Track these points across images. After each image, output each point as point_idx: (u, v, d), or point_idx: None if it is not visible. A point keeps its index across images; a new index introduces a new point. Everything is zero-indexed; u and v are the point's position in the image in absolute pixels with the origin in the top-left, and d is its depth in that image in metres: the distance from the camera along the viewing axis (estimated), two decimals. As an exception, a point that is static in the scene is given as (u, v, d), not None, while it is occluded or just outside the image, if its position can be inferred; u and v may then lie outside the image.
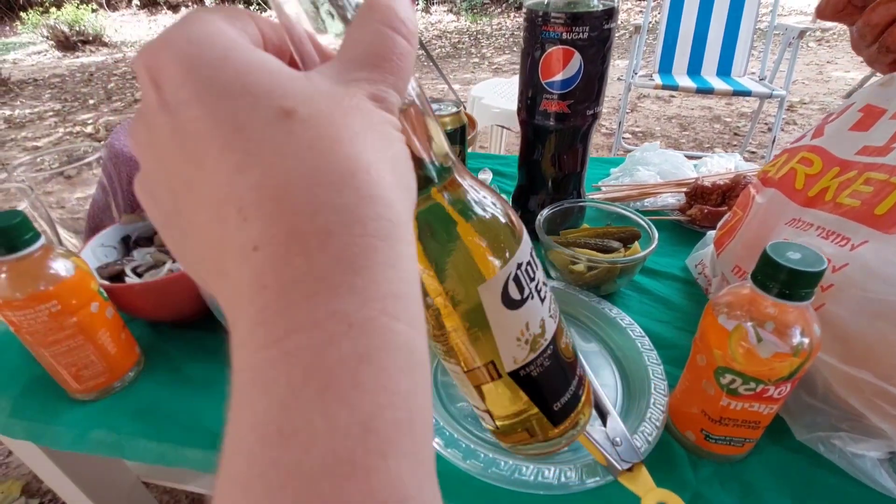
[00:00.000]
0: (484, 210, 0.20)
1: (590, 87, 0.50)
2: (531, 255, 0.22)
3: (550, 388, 0.23)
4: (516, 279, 0.20)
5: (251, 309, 0.11)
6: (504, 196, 0.24)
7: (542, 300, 0.22)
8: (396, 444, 0.11)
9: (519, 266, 0.21)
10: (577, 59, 0.48)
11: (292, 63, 0.15)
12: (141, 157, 0.14)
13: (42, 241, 0.37)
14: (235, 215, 0.11)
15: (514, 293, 0.21)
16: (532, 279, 0.21)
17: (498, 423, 0.25)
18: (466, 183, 0.20)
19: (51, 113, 3.58)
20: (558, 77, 0.49)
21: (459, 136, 0.52)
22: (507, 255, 0.20)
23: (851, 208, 0.37)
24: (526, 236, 0.22)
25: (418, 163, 0.18)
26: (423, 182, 0.18)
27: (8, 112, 3.62)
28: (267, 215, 0.11)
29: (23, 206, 0.45)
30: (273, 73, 0.12)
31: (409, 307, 0.12)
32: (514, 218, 0.22)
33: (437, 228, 0.19)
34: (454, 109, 0.52)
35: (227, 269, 0.12)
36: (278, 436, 0.10)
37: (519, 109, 0.56)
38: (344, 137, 0.12)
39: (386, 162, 0.13)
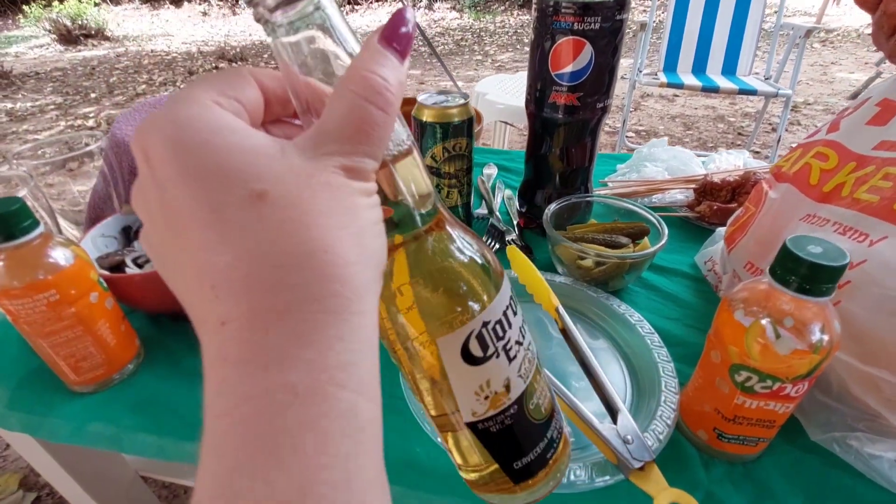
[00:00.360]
0: (454, 260, 0.20)
1: (600, 79, 0.49)
2: (505, 314, 0.21)
3: (511, 447, 0.22)
4: (479, 337, 0.20)
5: (215, 378, 0.13)
6: (485, 242, 0.22)
7: (511, 359, 0.21)
8: (331, 501, 0.12)
9: (485, 324, 0.20)
10: (588, 50, 0.47)
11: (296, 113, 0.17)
12: (140, 217, 0.15)
13: (41, 228, 0.37)
14: (209, 291, 0.13)
15: (476, 350, 0.20)
16: (500, 338, 0.21)
17: (462, 473, 0.25)
18: (448, 230, 0.20)
19: (52, 106, 3.56)
20: (568, 69, 0.48)
21: (467, 128, 0.51)
22: (474, 310, 0.20)
23: (869, 204, 0.37)
24: (504, 293, 0.21)
25: (398, 208, 0.19)
26: (404, 225, 0.19)
27: (10, 105, 3.61)
28: (235, 294, 0.13)
29: (22, 194, 0.44)
30: (248, 155, 0.13)
31: (357, 374, 0.13)
32: (494, 272, 0.21)
33: (399, 276, 0.20)
34: (461, 101, 0.51)
35: (202, 334, 0.14)
36: (225, 501, 0.11)
37: (527, 102, 0.55)
38: (309, 219, 0.13)
39: (350, 237, 0.14)
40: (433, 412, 0.23)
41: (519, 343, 0.21)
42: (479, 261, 0.21)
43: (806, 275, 0.28)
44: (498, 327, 0.20)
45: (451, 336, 0.20)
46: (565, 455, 0.25)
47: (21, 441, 0.52)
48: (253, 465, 0.12)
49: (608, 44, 0.47)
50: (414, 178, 0.19)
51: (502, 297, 0.21)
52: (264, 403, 0.12)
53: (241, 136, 0.14)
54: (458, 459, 0.24)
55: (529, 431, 0.23)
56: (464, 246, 0.21)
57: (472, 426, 0.22)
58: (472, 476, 0.25)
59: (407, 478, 0.37)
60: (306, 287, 0.13)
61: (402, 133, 0.18)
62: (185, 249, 0.13)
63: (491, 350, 0.20)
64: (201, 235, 0.13)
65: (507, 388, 0.21)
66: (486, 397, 0.21)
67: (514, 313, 0.22)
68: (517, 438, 0.22)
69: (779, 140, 1.99)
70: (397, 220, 0.19)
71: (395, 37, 0.16)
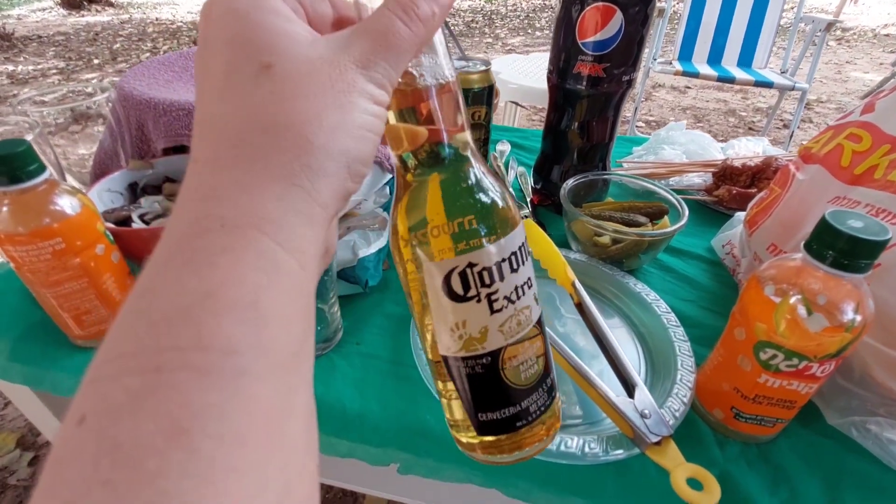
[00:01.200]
0: (456, 198, 0.21)
1: (628, 49, 0.47)
2: (499, 266, 0.21)
3: (477, 395, 0.23)
4: (462, 275, 0.20)
5: (176, 203, 0.15)
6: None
7: (494, 311, 0.21)
8: (232, 311, 0.13)
9: (471, 265, 0.20)
10: (618, 17, 0.45)
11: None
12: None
13: (47, 173, 0.35)
14: (197, 134, 0.16)
15: (457, 287, 0.21)
16: (486, 285, 0.21)
17: (452, 432, 0.26)
18: (465, 171, 0.21)
19: (54, 70, 3.51)
20: (596, 37, 0.47)
21: (487, 95, 0.50)
22: (462, 248, 0.20)
23: (904, 186, 0.35)
24: (504, 246, 0.21)
25: (433, 139, 0.20)
26: (432, 159, 0.21)
27: (11, 67, 3.56)
28: (209, 139, 0.15)
29: (29, 139, 0.42)
30: (274, 33, 0.15)
31: (286, 233, 0.14)
32: (500, 223, 0.21)
33: (420, 199, 0.21)
34: (482, 67, 0.49)
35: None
36: (142, 291, 0.13)
37: (550, 73, 0.54)
38: (298, 93, 0.15)
39: (329, 125, 0.15)
40: (429, 354, 0.24)
41: (509, 300, 0.21)
42: (484, 206, 0.21)
43: (844, 249, 0.27)
44: (485, 274, 0.21)
45: (433, 265, 0.21)
46: (539, 436, 0.25)
47: (22, 397, 0.51)
48: (173, 268, 0.13)
49: (639, 12, 0.45)
50: (444, 113, 0.20)
51: (500, 248, 0.21)
52: (192, 225, 0.14)
53: (281, 19, 0.16)
54: (447, 413, 0.25)
55: (500, 389, 0.23)
56: (474, 189, 0.21)
57: (445, 360, 0.23)
58: (456, 432, 0.26)
59: (416, 445, 0.36)
60: (262, 147, 0.15)
61: (444, 68, 0.20)
62: (199, 98, 0.16)
63: (472, 292, 0.21)
64: (210, 89, 0.16)
65: (483, 336, 0.21)
66: (461, 337, 0.22)
67: (515, 269, 0.22)
68: (485, 389, 0.23)
69: (791, 136, 1.97)
70: (415, 146, 0.21)
71: None
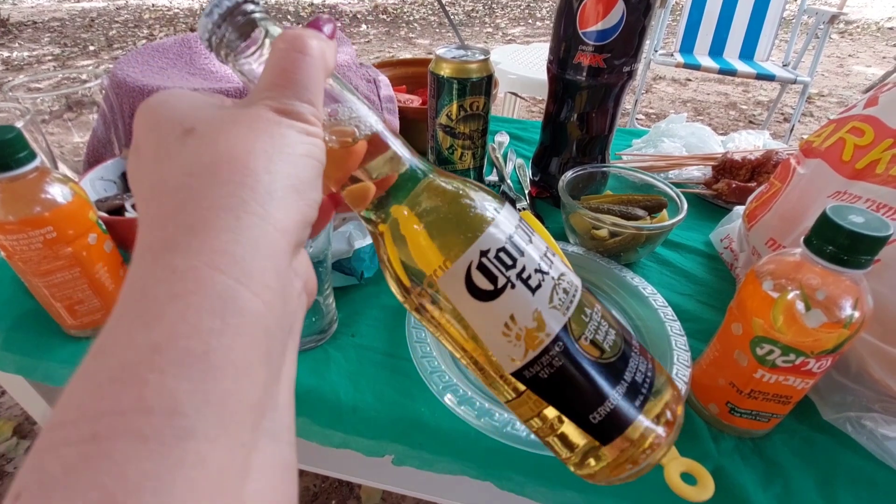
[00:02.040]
0: (433, 208, 0.20)
1: (629, 40, 0.47)
2: (512, 241, 0.20)
3: (577, 395, 0.20)
4: (482, 267, 0.19)
5: (130, 263, 0.14)
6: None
7: (535, 289, 0.19)
8: (179, 365, 0.12)
9: (484, 253, 0.19)
10: (619, 7, 0.44)
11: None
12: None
13: (38, 161, 0.35)
14: (142, 204, 0.16)
15: (483, 283, 0.19)
16: (510, 266, 0.19)
17: (571, 468, 0.23)
18: (425, 188, 0.21)
19: (49, 57, 3.47)
20: (597, 27, 0.46)
21: (485, 85, 0.49)
22: (465, 242, 0.19)
23: (907, 181, 0.35)
24: (503, 220, 0.20)
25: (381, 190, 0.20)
26: (390, 198, 0.20)
27: (6, 54, 3.51)
28: (152, 200, 0.15)
29: (19, 125, 0.42)
30: (190, 107, 0.17)
31: (241, 265, 0.14)
32: (484, 201, 0.20)
33: (394, 236, 0.20)
34: (481, 57, 0.48)
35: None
36: (94, 351, 0.13)
37: (549, 63, 0.53)
38: (224, 140, 0.15)
39: (263, 153, 0.15)
40: (505, 391, 0.21)
41: (541, 272, 0.20)
42: (463, 197, 0.20)
43: (845, 244, 0.26)
44: (504, 255, 0.19)
45: (448, 274, 0.19)
46: (665, 404, 0.21)
47: (16, 386, 0.51)
48: (121, 325, 0.13)
49: (641, 1, 0.44)
50: (377, 164, 0.20)
51: (502, 224, 0.20)
52: (146, 279, 0.13)
53: (194, 97, 0.17)
54: (561, 452, 0.22)
55: (595, 372, 0.20)
56: (443, 192, 0.20)
57: (519, 377, 0.20)
58: (574, 457, 0.22)
59: (410, 437, 0.36)
60: (202, 188, 0.14)
61: (368, 118, 0.20)
62: (137, 184, 0.17)
63: (502, 280, 0.19)
64: (144, 169, 0.16)
65: (540, 322, 0.19)
66: (518, 336, 0.19)
67: (529, 241, 0.20)
68: (580, 382, 0.20)
69: (791, 129, 1.96)
70: (367, 202, 0.20)
71: (314, 24, 0.19)
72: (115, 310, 0.13)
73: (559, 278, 0.20)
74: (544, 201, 0.63)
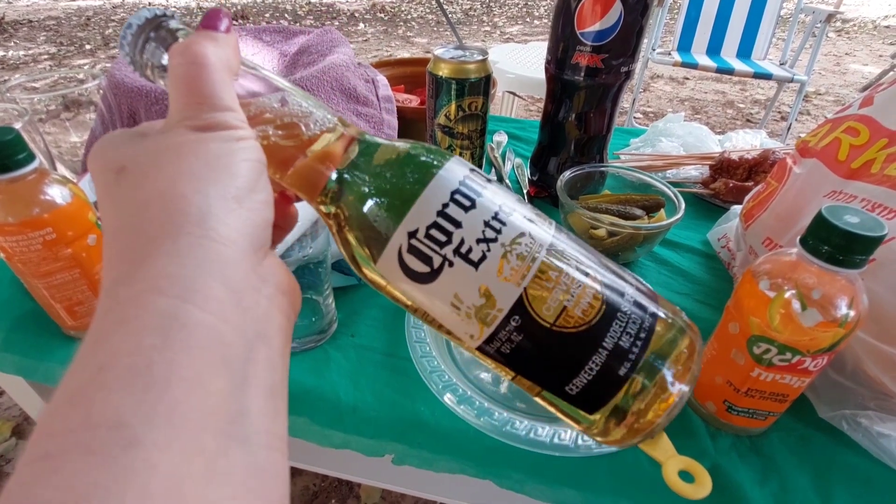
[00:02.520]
0: (351, 194, 0.19)
1: (627, 40, 0.47)
2: (444, 214, 0.18)
3: (543, 369, 0.19)
4: (413, 250, 0.18)
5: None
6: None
7: (478, 262, 0.18)
8: (121, 381, 0.12)
9: (412, 234, 0.18)
10: (617, 7, 0.44)
11: None
12: None
13: (37, 162, 0.35)
14: (104, 241, 0.17)
15: (417, 265, 0.18)
16: (446, 242, 0.18)
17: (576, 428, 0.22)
18: (360, 163, 0.20)
19: (46, 56, 3.45)
20: (595, 27, 0.46)
21: (484, 86, 0.49)
22: (388, 227, 0.18)
23: (901, 180, 0.35)
24: (432, 192, 0.18)
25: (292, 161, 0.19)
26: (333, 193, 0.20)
27: (1, 53, 3.50)
28: (107, 243, 0.16)
29: (18, 126, 0.42)
30: (120, 145, 0.17)
31: (185, 284, 0.14)
32: (410, 171, 0.19)
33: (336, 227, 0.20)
34: (479, 57, 0.49)
35: None
36: (62, 379, 0.13)
37: (547, 63, 0.53)
38: (152, 175, 0.16)
39: (190, 174, 0.16)
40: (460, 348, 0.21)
41: (486, 240, 0.18)
42: (387, 170, 0.19)
43: (840, 244, 0.27)
44: (436, 232, 0.18)
45: (382, 262, 0.19)
46: (673, 358, 0.19)
47: (15, 387, 0.51)
48: (78, 355, 0.13)
49: (639, 2, 0.45)
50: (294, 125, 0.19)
51: (433, 194, 0.18)
52: (98, 314, 0.14)
53: (123, 135, 0.18)
54: (559, 414, 0.21)
55: (563, 344, 0.18)
56: (359, 172, 0.20)
57: (483, 352, 0.19)
58: (578, 426, 0.21)
59: (410, 436, 0.37)
60: (141, 225, 0.15)
61: (270, 101, 0.19)
62: (101, 218, 0.17)
63: (437, 260, 0.18)
64: (101, 211, 0.17)
65: (489, 297, 0.18)
66: (468, 314, 0.18)
67: (471, 204, 0.18)
68: (547, 355, 0.18)
69: (789, 128, 1.96)
70: (315, 192, 0.20)
71: (207, 23, 0.19)
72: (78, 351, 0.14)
73: (512, 243, 0.18)
74: (543, 201, 0.63)
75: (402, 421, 0.37)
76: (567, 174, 0.52)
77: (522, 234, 0.19)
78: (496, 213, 0.19)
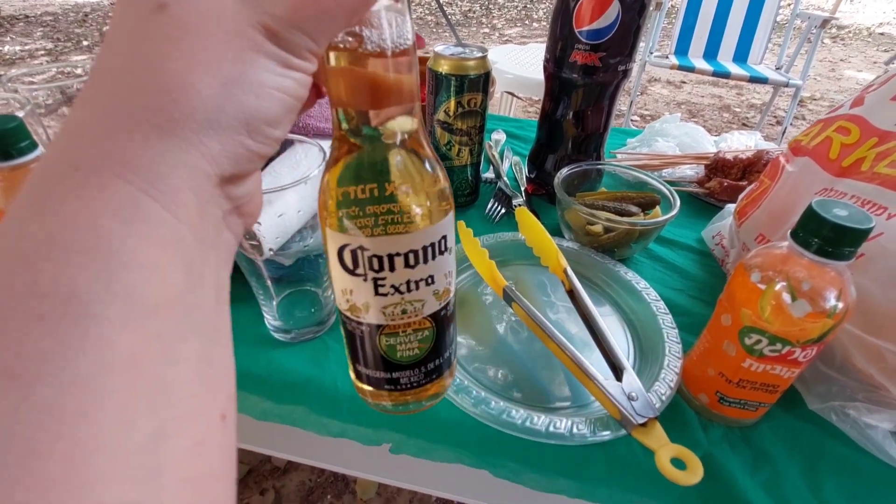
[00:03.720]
0: (381, 185, 0.20)
1: (624, 39, 0.48)
2: (391, 259, 0.21)
3: (354, 351, 0.26)
4: (353, 253, 0.21)
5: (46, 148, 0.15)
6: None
7: (379, 294, 0.22)
8: (75, 256, 0.12)
9: (362, 249, 0.21)
10: (615, 6, 0.45)
11: None
12: None
13: (39, 150, 0.35)
14: (90, 74, 0.14)
15: (347, 262, 0.22)
16: (375, 270, 0.22)
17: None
18: (405, 159, 0.21)
19: (42, 52, 3.44)
20: (593, 26, 0.47)
21: (483, 83, 0.50)
22: (358, 230, 0.21)
23: (889, 177, 0.36)
24: (404, 240, 0.21)
25: (372, 106, 0.19)
26: (363, 130, 0.20)
27: (-3, 47, 3.48)
28: (94, 81, 0.14)
29: (20, 115, 0.42)
30: None
31: (153, 178, 0.13)
32: (411, 216, 0.21)
33: (343, 166, 0.21)
34: (479, 54, 0.49)
35: None
36: None
37: (546, 61, 0.54)
38: (188, 40, 0.14)
39: (218, 77, 0.14)
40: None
41: (397, 290, 0.22)
42: (395, 199, 0.21)
43: (829, 237, 0.27)
44: (376, 260, 0.21)
45: (332, 234, 0.21)
46: (404, 400, 0.28)
47: None
48: (15, 215, 0.12)
49: (636, 1, 0.45)
50: (368, 82, 0.19)
51: (397, 243, 0.21)
52: (46, 170, 0.13)
53: None
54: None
55: (374, 356, 0.25)
56: (392, 179, 0.21)
57: (339, 312, 0.25)
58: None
59: (407, 425, 0.37)
60: (139, 90, 0.13)
61: (403, 30, 0.18)
62: (112, 27, 0.15)
63: (360, 271, 0.22)
64: (108, 33, 0.15)
65: (366, 308, 0.23)
66: (348, 301, 0.23)
67: (409, 266, 0.22)
68: (361, 349, 0.25)
69: (784, 132, 1.98)
70: (352, 106, 0.20)
71: None
72: (15, 200, 0.13)
73: (409, 302, 0.23)
74: (540, 198, 0.63)
75: (400, 410, 0.37)
76: (564, 171, 0.53)
77: (419, 300, 0.23)
78: (425, 279, 0.23)
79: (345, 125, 0.20)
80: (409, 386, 0.27)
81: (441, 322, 0.25)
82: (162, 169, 0.13)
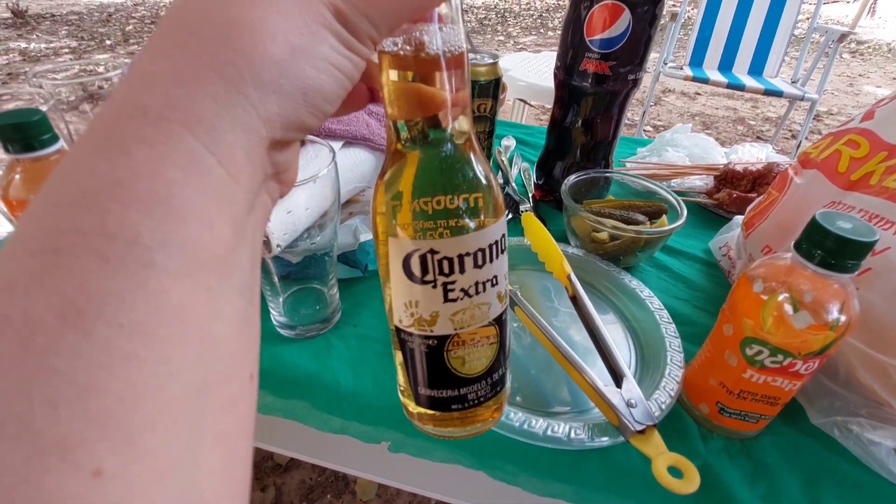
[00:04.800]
0: (446, 184, 0.21)
1: (635, 49, 0.48)
2: (461, 259, 0.21)
3: (419, 372, 0.24)
4: (423, 259, 0.21)
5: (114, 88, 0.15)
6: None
7: (448, 300, 0.22)
8: (141, 203, 0.12)
9: (433, 252, 0.21)
10: (626, 16, 0.46)
11: None
12: None
13: (60, 143, 0.36)
14: (162, 19, 0.15)
15: (415, 269, 0.21)
16: (445, 274, 0.21)
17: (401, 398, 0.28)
18: (465, 158, 0.21)
19: (66, 50, 3.53)
20: (604, 35, 0.47)
21: (493, 88, 0.50)
22: (427, 233, 0.21)
23: (899, 192, 0.36)
24: (474, 241, 0.21)
25: (431, 111, 0.20)
26: (424, 135, 0.20)
27: (24, 45, 3.58)
28: (166, 26, 0.14)
29: (44, 109, 0.43)
30: None
31: (214, 134, 0.13)
32: (478, 214, 0.21)
33: (402, 172, 0.21)
34: (490, 60, 0.50)
35: None
36: (55, 175, 0.13)
37: (557, 69, 0.54)
38: (266, 1, 0.14)
39: (286, 42, 0.14)
40: (389, 321, 0.25)
41: (466, 293, 0.22)
42: (461, 197, 0.21)
43: (832, 249, 0.27)
44: (446, 263, 0.21)
45: (397, 242, 0.21)
46: (474, 422, 0.26)
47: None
48: (84, 154, 0.13)
49: (647, 11, 0.46)
50: (445, 88, 0.19)
51: (467, 242, 0.21)
52: (116, 111, 0.13)
53: None
54: (399, 378, 0.26)
55: (442, 373, 0.24)
56: (455, 178, 0.21)
57: (397, 331, 0.24)
58: (402, 398, 0.27)
59: (407, 425, 0.37)
60: (212, 42, 0.14)
61: (457, 36, 0.19)
62: None
63: (429, 277, 0.21)
64: None
65: (433, 320, 0.22)
66: (412, 315, 0.22)
67: (478, 266, 0.22)
68: (427, 368, 0.24)
69: (798, 146, 1.96)
70: (410, 116, 0.20)
71: None
72: (83, 137, 0.13)
73: (478, 305, 0.23)
74: (547, 204, 0.64)
75: (400, 409, 0.37)
76: (572, 178, 0.53)
77: (486, 303, 0.23)
78: (490, 279, 0.22)
79: (405, 134, 0.21)
80: (475, 402, 0.25)
81: (503, 326, 0.25)
82: (224, 125, 0.13)
